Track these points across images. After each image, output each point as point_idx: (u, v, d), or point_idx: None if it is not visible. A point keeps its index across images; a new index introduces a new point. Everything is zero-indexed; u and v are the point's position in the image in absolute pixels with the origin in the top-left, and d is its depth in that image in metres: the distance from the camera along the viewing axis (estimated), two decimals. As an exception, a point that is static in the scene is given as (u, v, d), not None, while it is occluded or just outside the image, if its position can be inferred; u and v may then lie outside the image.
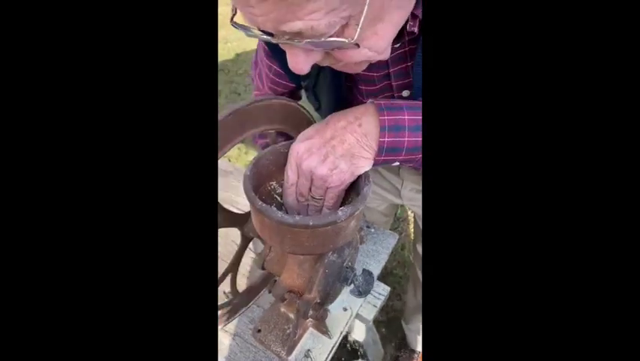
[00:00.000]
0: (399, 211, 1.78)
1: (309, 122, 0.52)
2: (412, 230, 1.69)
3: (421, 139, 0.42)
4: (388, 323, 1.40)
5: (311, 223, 0.38)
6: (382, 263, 0.82)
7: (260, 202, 0.40)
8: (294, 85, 0.66)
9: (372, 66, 0.50)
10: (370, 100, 0.43)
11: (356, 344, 1.20)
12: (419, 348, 1.21)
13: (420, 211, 0.91)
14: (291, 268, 0.47)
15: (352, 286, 0.48)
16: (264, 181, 0.45)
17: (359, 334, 1.06)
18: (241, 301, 0.68)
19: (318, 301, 0.45)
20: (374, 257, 0.83)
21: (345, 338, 1.21)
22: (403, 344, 1.29)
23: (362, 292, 0.47)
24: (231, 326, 0.70)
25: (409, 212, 1.75)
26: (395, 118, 0.41)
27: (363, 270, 0.49)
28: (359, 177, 0.44)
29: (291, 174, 0.44)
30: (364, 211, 1.07)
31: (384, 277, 1.54)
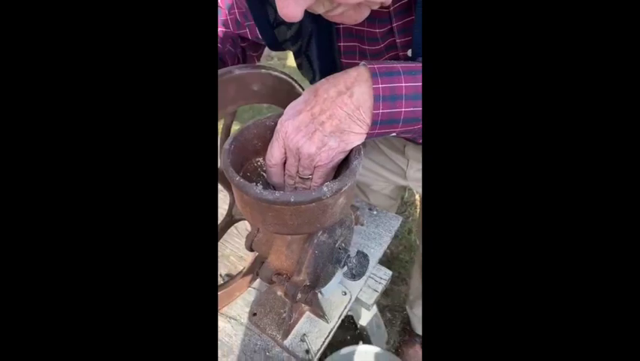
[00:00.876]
0: (406, 195, 1.74)
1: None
2: (420, 214, 1.65)
3: (420, 108, 0.38)
4: (393, 307, 1.38)
5: (292, 200, 0.35)
6: (384, 246, 0.78)
7: (238, 177, 0.37)
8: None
9: (374, 20, 0.45)
10: (363, 62, 0.39)
11: (360, 328, 1.19)
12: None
13: (425, 193, 0.87)
14: (279, 249, 0.44)
15: (345, 268, 0.45)
16: (249, 157, 0.42)
17: (363, 318, 1.05)
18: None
19: (308, 283, 0.42)
20: (376, 240, 0.79)
21: (352, 320, 1.20)
22: (407, 329, 1.27)
23: (355, 274, 0.44)
24: (227, 308, 0.69)
25: (417, 195, 1.71)
26: (391, 86, 0.37)
27: (358, 252, 0.46)
28: (350, 151, 0.40)
29: (276, 152, 0.41)
30: (368, 194, 1.04)
31: (389, 261, 1.52)
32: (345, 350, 1.05)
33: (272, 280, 0.46)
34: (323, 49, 0.52)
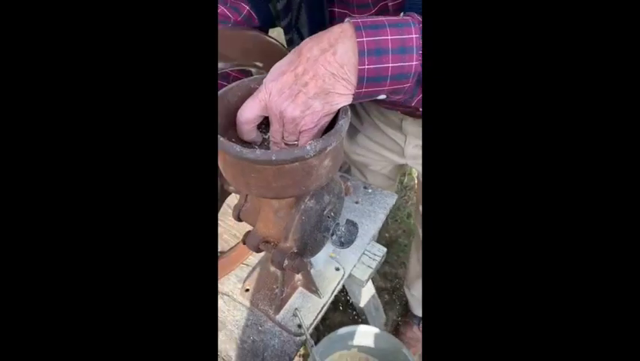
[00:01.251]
0: (405, 180, 1.73)
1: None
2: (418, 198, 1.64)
3: (407, 63, 0.36)
4: (392, 290, 1.38)
5: (274, 158, 0.34)
6: (379, 224, 0.78)
7: (219, 137, 0.35)
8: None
9: None
10: (348, 18, 0.37)
11: (358, 310, 1.19)
12: (420, 313, 1.19)
13: (422, 170, 0.86)
14: (266, 216, 0.43)
15: (334, 236, 0.44)
16: (234, 121, 0.41)
17: (361, 300, 1.04)
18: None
19: (295, 250, 0.41)
20: (370, 217, 0.79)
21: (351, 303, 1.20)
22: (405, 310, 1.27)
23: (344, 242, 0.43)
24: (220, 285, 0.68)
25: (416, 180, 1.69)
26: (376, 39, 0.35)
27: (347, 220, 0.45)
28: (337, 111, 0.39)
29: (249, 111, 0.39)
30: (366, 174, 1.03)
31: (388, 245, 1.51)
32: (343, 330, 1.05)
33: (259, 247, 0.45)
34: (314, 18, 0.51)
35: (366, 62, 0.35)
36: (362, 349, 1.06)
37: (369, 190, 0.84)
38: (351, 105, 0.40)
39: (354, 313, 1.28)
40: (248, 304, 0.65)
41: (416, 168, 0.87)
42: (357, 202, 0.82)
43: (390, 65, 0.36)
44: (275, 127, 0.39)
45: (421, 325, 1.21)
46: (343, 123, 0.37)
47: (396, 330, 1.25)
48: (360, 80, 0.36)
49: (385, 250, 0.75)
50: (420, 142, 0.78)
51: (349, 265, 0.71)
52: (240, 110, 0.40)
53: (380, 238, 1.59)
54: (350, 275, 0.71)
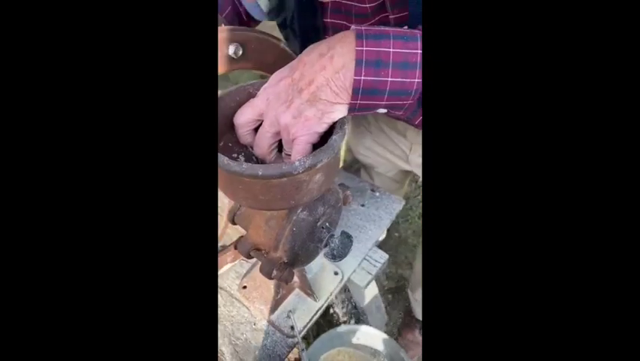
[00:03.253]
0: (420, 179, 1.69)
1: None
2: (432, 199, 1.61)
3: (409, 80, 0.34)
4: (397, 291, 1.37)
5: (260, 173, 0.33)
6: (384, 229, 0.76)
7: None
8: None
9: None
10: (353, 26, 0.35)
11: (359, 309, 1.19)
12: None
13: (431, 179, 0.83)
14: (258, 223, 0.42)
15: (327, 248, 0.43)
16: (231, 124, 0.40)
17: (363, 299, 1.04)
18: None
19: (285, 260, 0.41)
20: (375, 222, 0.77)
21: (353, 304, 1.20)
22: (408, 313, 1.26)
23: (336, 255, 0.42)
24: (218, 278, 0.69)
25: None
26: (377, 50, 0.33)
27: (342, 232, 0.44)
28: (333, 124, 0.37)
29: (246, 114, 0.38)
30: (373, 176, 1.01)
31: (397, 244, 1.50)
32: (342, 328, 1.05)
33: (249, 254, 0.45)
34: (305, 27, 0.49)
35: (363, 73, 0.34)
36: (361, 348, 1.06)
37: (377, 194, 0.82)
38: None
39: (355, 310, 1.28)
40: (245, 301, 0.66)
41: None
42: (363, 205, 0.80)
43: (390, 79, 0.34)
44: (264, 128, 0.38)
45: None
46: (337, 139, 0.35)
47: (397, 332, 1.24)
48: (355, 91, 0.35)
49: (387, 256, 0.74)
50: None
51: (349, 269, 0.70)
52: (236, 114, 0.39)
53: (389, 238, 1.58)
54: (349, 280, 0.71)
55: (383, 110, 0.38)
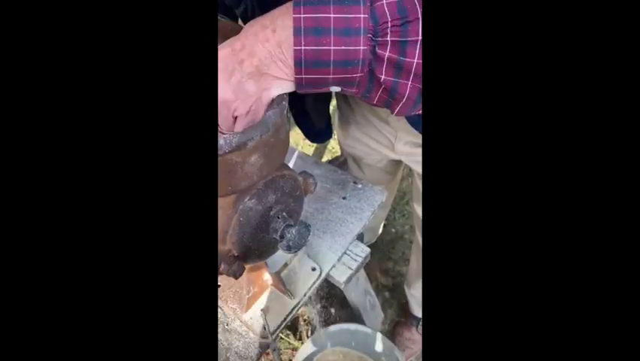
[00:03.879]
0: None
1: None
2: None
3: (353, 47, 0.31)
4: (393, 287, 1.33)
5: None
6: (364, 221, 0.72)
7: None
8: None
9: None
10: None
11: (353, 308, 1.15)
12: (419, 314, 1.14)
13: (417, 168, 0.79)
14: (205, 215, 0.39)
15: (283, 240, 0.39)
16: None
17: (356, 297, 1.00)
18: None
19: (235, 254, 0.37)
20: (356, 214, 0.74)
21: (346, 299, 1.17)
22: (405, 310, 1.22)
23: (292, 246, 0.39)
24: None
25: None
26: (315, 17, 0.30)
27: (300, 222, 0.40)
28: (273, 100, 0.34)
29: None
30: (363, 168, 0.97)
31: (393, 240, 1.46)
32: (334, 328, 1.02)
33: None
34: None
35: (303, 42, 0.30)
36: (355, 347, 1.02)
37: (359, 186, 0.79)
38: (343, 94, 0.35)
39: (349, 308, 1.24)
40: (219, 300, 0.63)
41: (410, 165, 0.81)
42: (344, 198, 0.77)
43: (332, 47, 0.31)
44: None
45: (419, 327, 1.15)
46: (272, 114, 0.32)
47: (393, 330, 1.20)
48: (298, 63, 0.31)
49: (369, 250, 0.70)
50: (411, 139, 0.71)
51: (327, 264, 0.66)
52: None
53: (385, 233, 1.53)
54: (328, 275, 0.67)
55: (336, 88, 0.35)
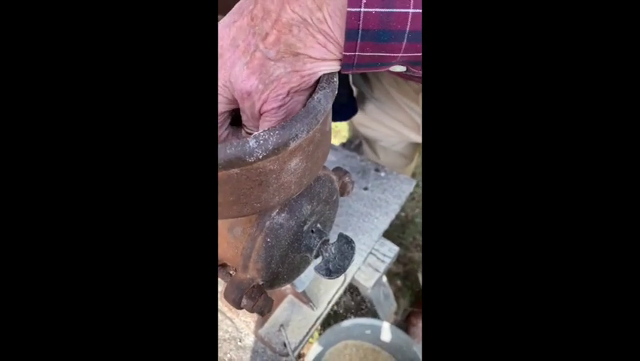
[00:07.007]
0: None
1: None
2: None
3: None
4: (405, 275, 1.27)
5: None
6: (392, 216, 0.64)
7: None
8: None
9: None
10: None
11: (366, 298, 1.09)
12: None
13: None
14: (220, 232, 0.30)
15: (320, 261, 0.30)
16: None
17: (369, 289, 0.94)
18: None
19: (260, 283, 0.28)
20: (382, 208, 0.65)
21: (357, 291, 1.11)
22: (419, 298, 1.17)
23: (332, 270, 0.29)
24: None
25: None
26: None
27: (340, 236, 0.31)
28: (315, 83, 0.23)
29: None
30: (377, 151, 0.87)
31: (404, 224, 1.38)
32: (347, 323, 0.96)
33: (213, 273, 0.33)
34: None
35: (363, 3, 0.20)
36: (368, 340, 0.97)
37: (382, 174, 0.69)
38: None
39: (360, 297, 1.18)
40: (227, 312, 0.54)
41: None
42: (366, 188, 0.68)
43: (412, 10, 0.20)
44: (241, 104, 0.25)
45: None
46: (322, 98, 0.22)
47: (407, 320, 1.15)
48: (351, 35, 0.21)
49: (397, 249, 0.62)
50: None
51: (352, 268, 0.58)
52: None
53: (395, 217, 1.46)
54: (353, 280, 0.59)
55: (400, 68, 0.25)
